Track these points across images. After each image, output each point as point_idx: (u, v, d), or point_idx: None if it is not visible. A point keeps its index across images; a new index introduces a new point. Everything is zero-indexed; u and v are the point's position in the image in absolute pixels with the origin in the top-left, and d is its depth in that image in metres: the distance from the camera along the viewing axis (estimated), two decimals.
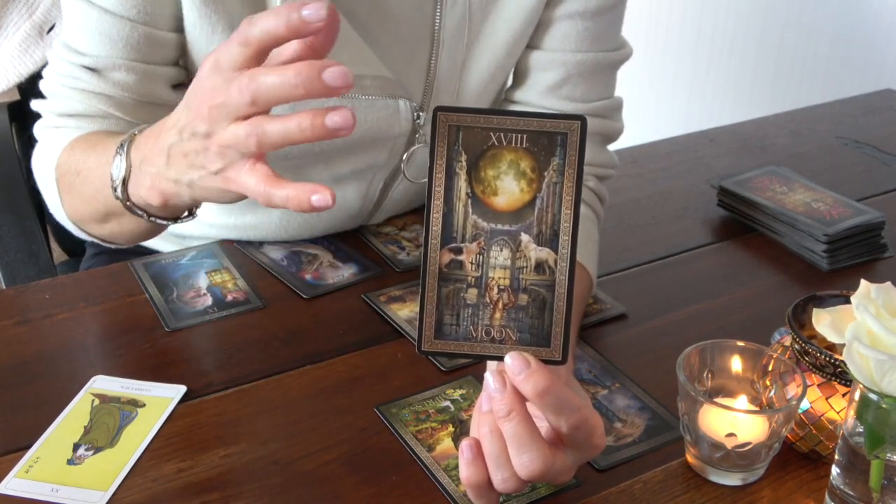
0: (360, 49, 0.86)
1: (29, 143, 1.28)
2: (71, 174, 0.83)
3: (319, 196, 0.59)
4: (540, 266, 0.59)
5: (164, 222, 0.78)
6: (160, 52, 0.85)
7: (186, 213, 0.78)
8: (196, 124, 0.63)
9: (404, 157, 0.95)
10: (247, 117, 0.61)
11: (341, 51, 0.85)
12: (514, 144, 0.58)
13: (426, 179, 0.59)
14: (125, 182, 0.74)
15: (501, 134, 0.58)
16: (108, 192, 0.75)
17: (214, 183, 0.65)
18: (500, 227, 0.59)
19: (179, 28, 0.85)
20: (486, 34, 0.91)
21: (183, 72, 0.89)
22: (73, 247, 1.31)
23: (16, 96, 1.25)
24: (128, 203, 0.75)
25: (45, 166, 0.87)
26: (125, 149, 0.74)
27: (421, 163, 0.96)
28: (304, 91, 0.57)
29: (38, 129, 0.89)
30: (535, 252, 0.59)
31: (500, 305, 0.60)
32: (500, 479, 0.60)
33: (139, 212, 0.76)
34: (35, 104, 0.89)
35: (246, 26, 0.59)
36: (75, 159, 0.83)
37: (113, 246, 0.90)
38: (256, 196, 0.62)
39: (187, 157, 0.65)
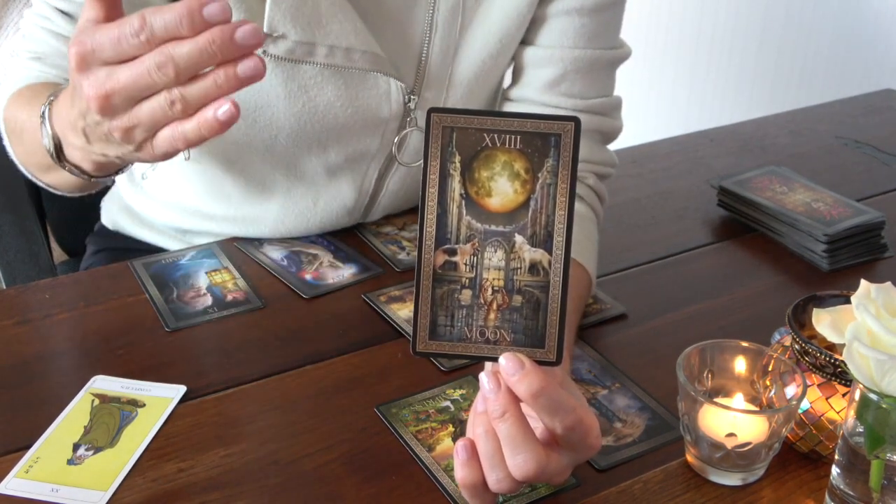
0: (354, 22, 0.86)
1: None
2: (14, 127, 0.84)
3: (224, 109, 0.60)
4: (534, 267, 0.59)
5: (104, 180, 0.79)
6: (139, 4, 0.85)
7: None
8: (95, 116, 0.63)
9: (395, 140, 0.94)
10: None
11: (334, 20, 0.84)
12: (507, 145, 0.59)
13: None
14: (58, 149, 0.74)
15: (495, 135, 0.58)
16: (46, 157, 0.76)
17: (143, 153, 0.65)
18: (494, 228, 0.59)
19: None
20: (479, 21, 0.92)
21: None
22: (73, 247, 1.31)
23: None
24: (66, 167, 0.75)
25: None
26: (46, 118, 0.74)
27: (413, 147, 0.96)
28: (221, 54, 0.58)
29: (9, 63, 0.90)
30: (529, 253, 0.59)
31: (495, 306, 0.60)
32: (494, 480, 0.60)
33: (77, 172, 0.76)
34: (12, 43, 0.92)
35: (139, 20, 0.59)
36: (16, 115, 0.83)
37: (62, 193, 0.90)
38: (175, 142, 0.63)
39: (106, 137, 0.65)
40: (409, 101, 0.92)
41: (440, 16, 0.90)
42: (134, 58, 0.60)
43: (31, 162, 0.85)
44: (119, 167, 0.77)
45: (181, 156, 0.99)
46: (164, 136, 0.63)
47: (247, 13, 0.84)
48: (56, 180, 0.85)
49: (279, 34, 0.83)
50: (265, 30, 0.82)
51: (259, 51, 0.81)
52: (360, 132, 0.92)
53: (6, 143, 0.89)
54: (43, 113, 0.74)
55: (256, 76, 0.59)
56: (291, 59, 0.85)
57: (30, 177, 0.90)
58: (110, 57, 0.60)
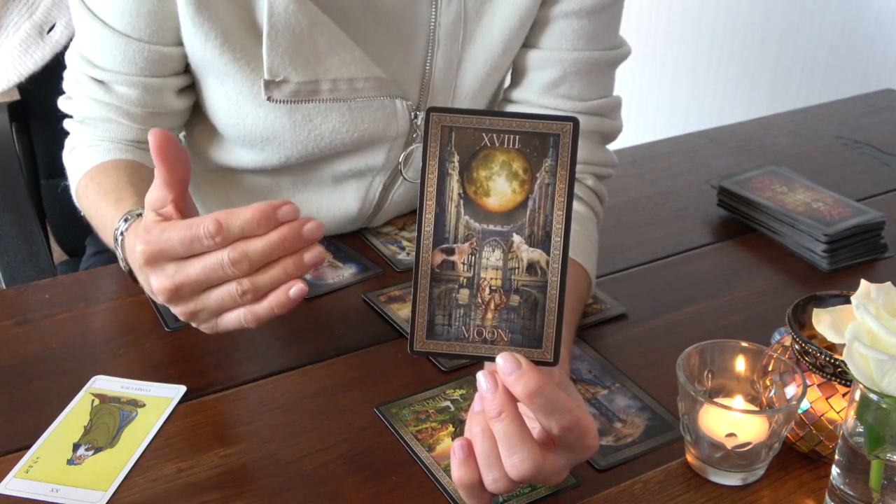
0: (352, 51, 0.87)
1: (29, 143, 1.28)
2: (89, 209, 0.88)
3: (296, 289, 0.66)
4: (532, 267, 0.59)
5: None
6: (168, 66, 0.88)
7: None
8: (171, 300, 0.68)
9: (401, 157, 0.95)
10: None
11: (333, 54, 0.85)
12: (506, 145, 0.59)
13: None
14: (131, 273, 0.78)
15: (494, 135, 0.58)
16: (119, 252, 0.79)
17: (205, 327, 0.70)
18: (491, 227, 0.59)
19: (182, 42, 0.86)
20: (481, 32, 0.92)
21: (189, 76, 0.90)
22: (73, 247, 1.31)
23: (16, 96, 1.25)
24: (137, 284, 0.78)
25: (72, 178, 0.92)
26: (119, 246, 0.78)
27: (419, 163, 0.96)
28: (289, 249, 0.65)
29: (68, 124, 0.94)
30: (526, 253, 0.59)
31: (492, 306, 0.60)
32: (490, 480, 0.60)
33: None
34: (61, 103, 0.93)
35: (215, 225, 0.63)
36: (91, 200, 0.86)
37: None
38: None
39: (175, 308, 0.69)
40: (415, 117, 0.93)
41: (442, 31, 0.90)
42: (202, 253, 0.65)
43: (101, 234, 0.87)
44: None
45: None
46: (233, 318, 0.68)
47: (246, 62, 0.85)
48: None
49: (281, 79, 0.84)
50: (266, 76, 0.84)
51: (264, 96, 0.84)
52: (367, 149, 0.93)
53: (76, 202, 0.92)
54: (116, 238, 0.78)
55: (319, 262, 0.66)
56: (297, 100, 0.86)
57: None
58: (180, 255, 0.65)
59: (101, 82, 0.88)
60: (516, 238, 0.59)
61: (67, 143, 0.94)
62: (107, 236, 0.82)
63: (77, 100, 0.91)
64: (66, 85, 0.92)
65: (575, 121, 0.58)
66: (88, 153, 0.90)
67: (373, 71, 0.88)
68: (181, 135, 0.99)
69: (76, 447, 0.70)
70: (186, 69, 0.90)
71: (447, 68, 0.92)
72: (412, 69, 0.92)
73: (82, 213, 0.92)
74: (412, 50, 0.91)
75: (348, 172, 0.95)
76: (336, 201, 0.97)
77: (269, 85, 0.85)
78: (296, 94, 0.86)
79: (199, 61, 0.87)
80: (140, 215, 0.77)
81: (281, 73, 0.84)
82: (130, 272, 0.78)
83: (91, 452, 0.70)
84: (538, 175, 0.59)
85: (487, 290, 0.60)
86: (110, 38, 0.85)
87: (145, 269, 0.67)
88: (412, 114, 0.92)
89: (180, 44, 0.86)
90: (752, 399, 0.72)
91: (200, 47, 0.84)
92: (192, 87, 0.92)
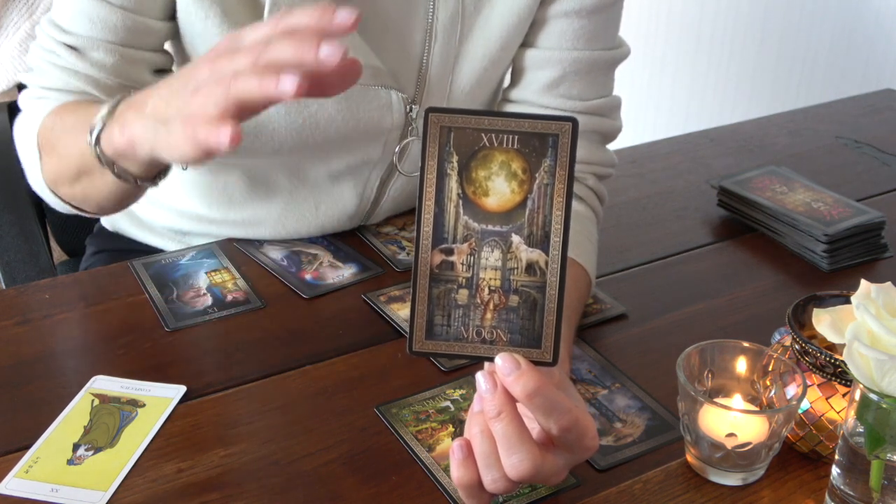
0: (352, 37, 0.86)
1: None
2: (51, 132, 0.84)
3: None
4: (531, 267, 0.59)
5: (129, 180, 0.77)
6: (147, 39, 0.86)
7: (154, 177, 0.78)
8: (195, 73, 0.63)
9: (397, 150, 0.95)
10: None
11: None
12: (505, 145, 0.59)
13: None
14: (105, 118, 0.73)
15: (493, 135, 0.58)
16: (83, 144, 0.75)
17: (187, 125, 0.63)
18: (491, 227, 0.59)
19: (170, 16, 0.85)
20: (479, 28, 0.92)
21: (167, 57, 0.89)
22: (73, 247, 1.31)
23: (16, 96, 1.25)
24: (97, 149, 0.74)
25: (27, 130, 0.87)
26: (116, 100, 0.74)
27: (415, 156, 0.96)
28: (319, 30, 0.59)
29: (22, 99, 0.90)
30: (525, 253, 0.59)
31: (491, 306, 0.60)
32: (490, 480, 0.60)
33: (105, 162, 0.75)
34: (22, 76, 0.90)
35: (274, 23, 0.60)
36: (58, 120, 0.83)
37: (85, 214, 0.89)
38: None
39: (175, 92, 0.65)
40: (411, 110, 0.92)
41: (439, 24, 0.90)
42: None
43: (61, 169, 0.84)
44: (144, 164, 0.75)
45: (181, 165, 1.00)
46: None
47: None
48: (84, 188, 0.83)
49: None
50: None
51: None
52: (362, 142, 0.93)
53: (32, 164, 0.88)
54: (115, 97, 0.74)
55: (332, 58, 0.57)
56: None
57: (52, 199, 0.88)
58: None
59: (74, 49, 0.84)
60: (515, 238, 0.59)
61: (19, 118, 0.89)
62: (77, 130, 0.77)
63: (42, 70, 0.87)
64: (30, 57, 0.88)
65: (574, 121, 0.58)
66: (43, 105, 0.86)
67: (370, 59, 0.88)
68: None
69: (76, 447, 0.70)
70: (165, 54, 0.88)
71: (444, 63, 0.92)
72: (409, 63, 0.92)
73: (38, 167, 0.86)
74: (409, 43, 0.91)
75: (345, 168, 0.95)
76: (334, 198, 0.97)
77: None
78: None
79: (195, 38, 0.85)
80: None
81: None
82: (103, 124, 0.73)
83: (91, 452, 0.70)
84: (537, 175, 0.59)
85: (486, 290, 0.60)
86: (91, 4, 0.82)
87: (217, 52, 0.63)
88: (408, 107, 0.92)
89: (167, 19, 0.85)
90: (752, 399, 0.72)
91: (200, 24, 0.84)
92: (167, 71, 0.90)
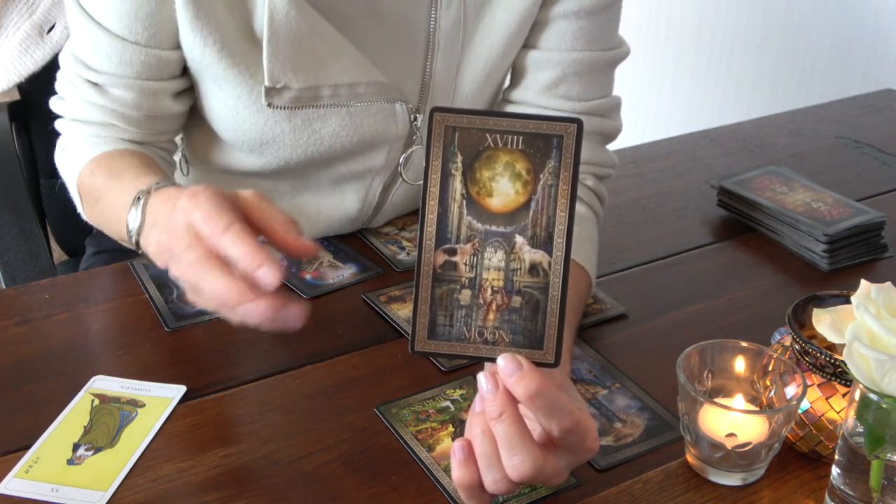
0: (353, 56, 0.86)
1: (29, 143, 1.28)
2: (92, 197, 0.87)
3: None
4: (534, 268, 0.59)
5: None
6: (164, 70, 0.87)
7: None
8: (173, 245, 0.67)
9: (401, 159, 0.95)
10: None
11: (334, 59, 0.85)
12: (509, 146, 0.58)
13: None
14: (139, 232, 0.77)
15: (497, 135, 0.58)
16: (124, 228, 0.78)
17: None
18: (494, 228, 0.59)
19: (180, 45, 0.86)
20: (480, 35, 0.91)
21: (185, 79, 0.90)
22: (73, 247, 1.31)
23: (16, 96, 1.25)
24: (140, 251, 0.77)
25: (68, 173, 0.91)
26: (141, 203, 0.76)
27: (419, 164, 0.96)
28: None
29: (58, 124, 0.92)
30: (529, 254, 0.59)
31: (494, 307, 0.60)
32: (490, 481, 0.60)
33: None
34: (53, 104, 0.92)
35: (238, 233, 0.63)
36: (97, 186, 0.85)
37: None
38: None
39: (166, 249, 0.68)
40: (415, 119, 0.92)
41: (441, 33, 0.90)
42: None
43: (106, 230, 0.87)
44: None
45: (182, 168, 1.00)
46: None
47: (245, 67, 0.85)
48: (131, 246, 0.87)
49: (281, 85, 0.84)
50: (266, 83, 0.84)
51: (264, 103, 0.84)
52: (367, 151, 0.93)
53: (73, 192, 0.91)
54: (139, 197, 0.76)
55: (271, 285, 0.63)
56: (297, 106, 0.85)
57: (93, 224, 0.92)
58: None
59: (96, 85, 0.87)
60: (519, 239, 0.59)
61: (60, 142, 0.93)
62: (120, 214, 0.80)
63: (70, 101, 0.90)
64: (58, 86, 0.91)
65: (579, 122, 0.58)
66: (87, 145, 0.88)
67: (374, 75, 0.88)
68: (178, 137, 0.99)
69: (76, 447, 0.70)
70: (184, 72, 0.89)
71: (447, 71, 0.92)
72: (412, 72, 0.92)
73: (81, 208, 0.90)
74: (412, 53, 0.91)
75: (347, 174, 0.95)
76: (336, 202, 0.97)
77: (270, 91, 0.84)
78: (297, 100, 0.86)
79: (197, 66, 0.86)
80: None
81: (282, 79, 0.84)
82: (139, 229, 0.76)
83: (91, 452, 0.70)
84: (541, 176, 0.59)
85: (489, 290, 0.60)
86: (107, 41, 0.84)
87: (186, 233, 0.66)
88: (412, 116, 0.92)
89: (178, 48, 0.86)
90: (752, 399, 0.72)
91: (199, 52, 0.84)
92: (189, 91, 0.91)
